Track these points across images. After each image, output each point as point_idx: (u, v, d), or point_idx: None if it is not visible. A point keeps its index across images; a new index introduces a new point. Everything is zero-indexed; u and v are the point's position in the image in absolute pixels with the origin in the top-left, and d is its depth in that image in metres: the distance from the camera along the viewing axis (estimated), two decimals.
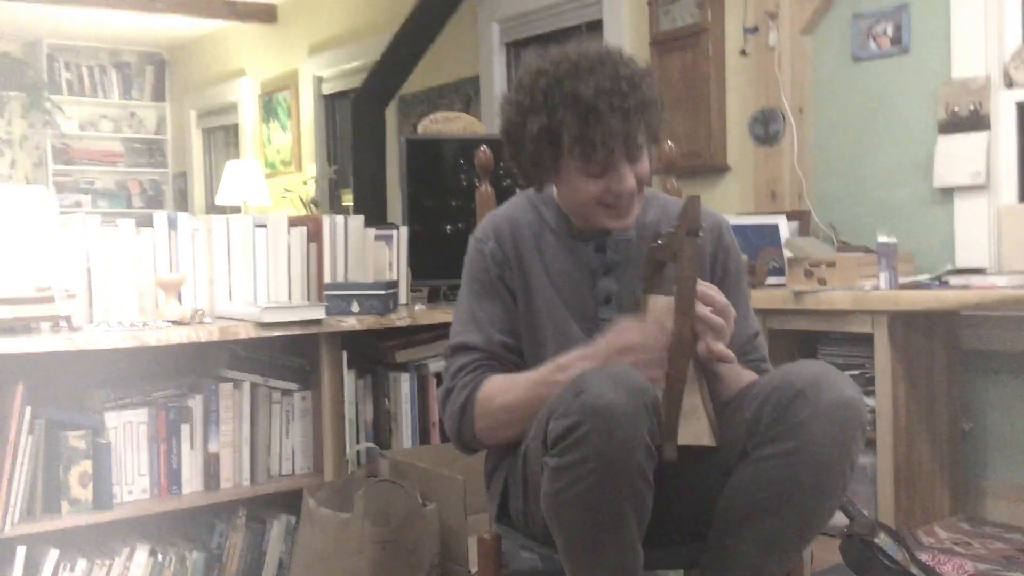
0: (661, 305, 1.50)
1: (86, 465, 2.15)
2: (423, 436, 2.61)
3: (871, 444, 2.76)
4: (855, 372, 2.90)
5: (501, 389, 1.59)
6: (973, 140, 3.05)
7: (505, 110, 1.59)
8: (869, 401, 2.72)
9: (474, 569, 2.08)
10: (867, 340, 2.83)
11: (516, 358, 1.65)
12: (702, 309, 1.45)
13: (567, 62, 1.51)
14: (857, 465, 1.45)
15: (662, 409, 1.41)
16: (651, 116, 1.52)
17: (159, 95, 7.92)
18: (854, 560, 2.28)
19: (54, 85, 7.36)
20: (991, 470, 3.11)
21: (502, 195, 1.82)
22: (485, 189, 1.97)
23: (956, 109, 3.09)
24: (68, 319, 2.12)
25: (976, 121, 3.05)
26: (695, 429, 1.46)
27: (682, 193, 1.98)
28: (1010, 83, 3.01)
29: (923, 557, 2.50)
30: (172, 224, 2.39)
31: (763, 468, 1.42)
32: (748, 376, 1.59)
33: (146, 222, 2.38)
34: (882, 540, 2.25)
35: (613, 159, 1.51)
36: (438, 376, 2.60)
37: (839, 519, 2.10)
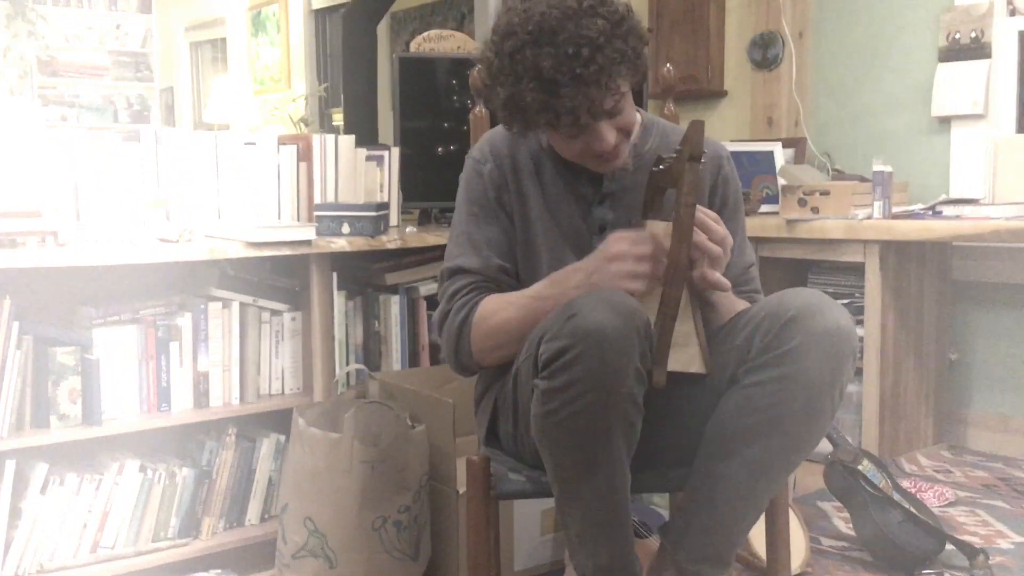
0: (659, 230, 1.49)
1: (75, 381, 2.14)
2: (412, 358, 2.61)
3: (857, 372, 2.78)
4: (845, 301, 2.91)
5: (497, 308, 1.58)
6: (973, 68, 3.02)
7: (480, 64, 1.53)
8: (858, 330, 2.73)
9: (462, 490, 2.10)
10: (858, 269, 2.83)
11: (513, 282, 1.64)
12: (700, 237, 1.43)
13: (532, 22, 1.43)
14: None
15: (654, 335, 1.41)
16: (625, 69, 1.45)
17: (145, 6, 7.74)
18: (837, 486, 2.31)
19: None
20: (975, 400, 3.15)
21: (496, 118, 1.78)
22: (479, 111, 1.93)
23: (957, 36, 3.04)
24: (55, 234, 2.10)
25: (977, 49, 3.01)
26: (686, 356, 1.46)
27: (679, 118, 1.95)
28: (1013, 11, 2.97)
29: (905, 484, 2.54)
30: (159, 140, 2.35)
31: (753, 394, 1.42)
32: (741, 306, 1.58)
33: (133, 138, 2.34)
34: (865, 467, 2.28)
35: (582, 125, 1.46)
36: (428, 299, 2.59)
37: (823, 446, 2.11)
